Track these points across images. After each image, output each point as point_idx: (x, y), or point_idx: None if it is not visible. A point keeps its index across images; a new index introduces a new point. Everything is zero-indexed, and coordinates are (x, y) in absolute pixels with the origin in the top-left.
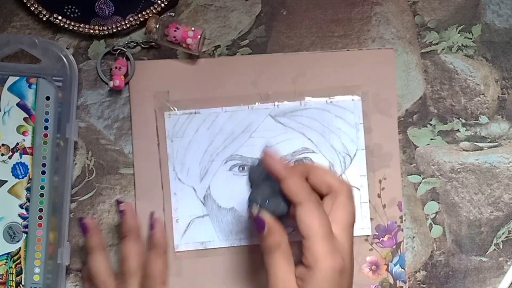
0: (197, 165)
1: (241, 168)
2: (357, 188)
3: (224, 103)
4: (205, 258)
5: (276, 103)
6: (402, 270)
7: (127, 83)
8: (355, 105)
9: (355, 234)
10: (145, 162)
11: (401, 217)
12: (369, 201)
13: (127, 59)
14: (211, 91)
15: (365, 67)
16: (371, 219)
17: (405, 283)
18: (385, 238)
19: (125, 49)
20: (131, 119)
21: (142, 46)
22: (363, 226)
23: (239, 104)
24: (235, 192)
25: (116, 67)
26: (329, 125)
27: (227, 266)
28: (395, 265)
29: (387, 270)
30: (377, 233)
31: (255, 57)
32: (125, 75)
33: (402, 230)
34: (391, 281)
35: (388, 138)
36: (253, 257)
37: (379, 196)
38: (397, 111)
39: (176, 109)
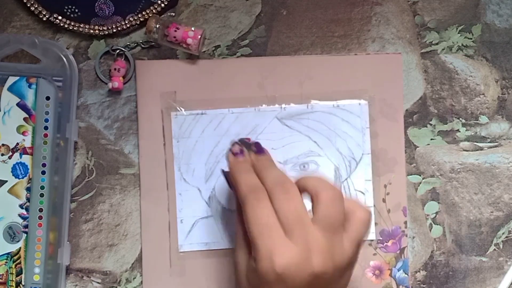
0: (203, 166)
1: None
2: (362, 193)
3: (231, 105)
4: (209, 259)
5: (283, 105)
6: (406, 275)
7: (126, 83)
8: (361, 110)
9: None
10: (150, 162)
11: (405, 222)
12: (374, 205)
13: (126, 59)
14: (218, 92)
15: (373, 71)
16: (376, 223)
17: None
18: (389, 243)
19: (124, 49)
20: (137, 119)
21: (142, 46)
22: None
23: (246, 105)
24: None
25: (115, 69)
26: (335, 128)
27: (231, 268)
28: (398, 270)
29: (390, 275)
30: (381, 238)
31: (262, 59)
32: (124, 76)
33: (407, 236)
34: (394, 286)
35: (394, 143)
36: None
37: (384, 201)
38: (403, 116)
39: (182, 109)
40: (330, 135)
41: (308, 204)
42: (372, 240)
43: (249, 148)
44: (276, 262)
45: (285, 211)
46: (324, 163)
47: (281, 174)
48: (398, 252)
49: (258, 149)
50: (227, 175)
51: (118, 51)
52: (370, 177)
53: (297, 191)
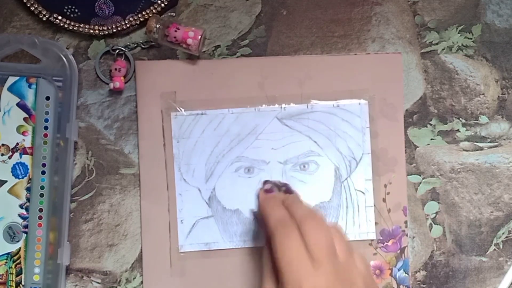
0: (203, 166)
1: (246, 170)
2: (362, 192)
3: (231, 105)
4: (209, 259)
5: (283, 105)
6: (406, 275)
7: (126, 83)
8: (361, 109)
9: (360, 238)
10: (150, 163)
11: (405, 222)
12: (374, 205)
13: (126, 59)
14: (218, 93)
15: (373, 71)
16: (376, 223)
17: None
18: (390, 243)
19: (124, 49)
20: (137, 119)
21: (142, 46)
22: (367, 231)
23: (246, 106)
24: (240, 193)
25: (116, 69)
26: (335, 128)
27: (231, 268)
28: (398, 270)
29: (390, 274)
30: (381, 238)
31: (262, 59)
32: (124, 76)
33: (407, 235)
34: (395, 285)
35: (394, 143)
36: (257, 259)
37: (384, 200)
38: (403, 116)
39: (182, 109)
40: (330, 135)
41: None
42: (372, 240)
43: (279, 187)
44: None
45: (315, 242)
46: (324, 163)
47: (310, 208)
48: (398, 251)
49: (287, 189)
50: (256, 215)
51: (118, 51)
52: (370, 177)
53: (326, 224)
